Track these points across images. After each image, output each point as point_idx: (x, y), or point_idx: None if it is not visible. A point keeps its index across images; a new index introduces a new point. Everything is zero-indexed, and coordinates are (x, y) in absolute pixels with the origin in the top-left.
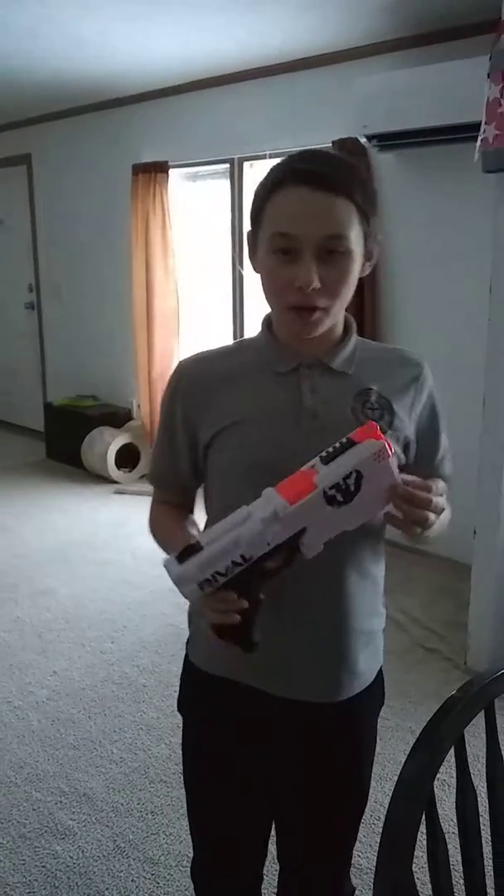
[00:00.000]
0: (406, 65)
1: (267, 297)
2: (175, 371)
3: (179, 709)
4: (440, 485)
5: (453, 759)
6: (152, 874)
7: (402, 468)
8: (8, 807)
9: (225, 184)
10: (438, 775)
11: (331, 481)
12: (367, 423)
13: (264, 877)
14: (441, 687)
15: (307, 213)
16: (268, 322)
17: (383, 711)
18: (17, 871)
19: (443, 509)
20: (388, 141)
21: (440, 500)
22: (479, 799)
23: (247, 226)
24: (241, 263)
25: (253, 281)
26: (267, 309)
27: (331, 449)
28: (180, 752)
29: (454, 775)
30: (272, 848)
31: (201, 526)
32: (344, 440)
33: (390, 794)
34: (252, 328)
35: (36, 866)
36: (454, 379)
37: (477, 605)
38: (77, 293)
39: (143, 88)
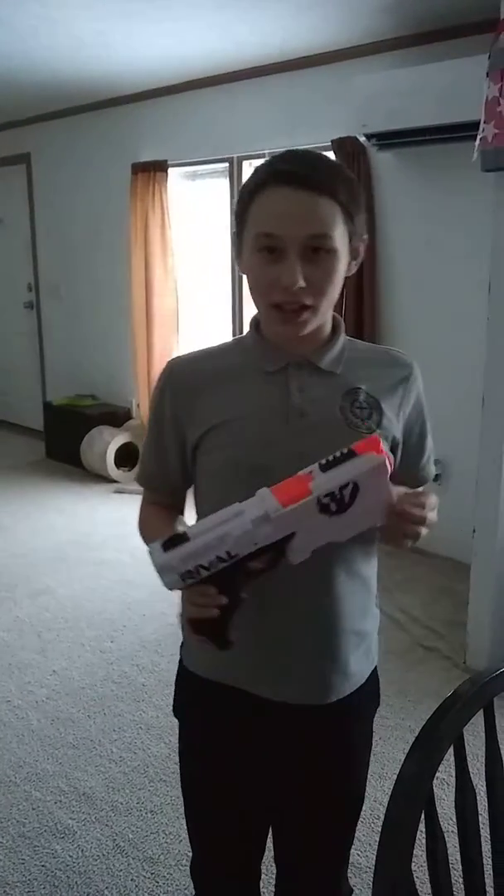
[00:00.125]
0: (405, 64)
1: (253, 297)
2: (163, 371)
3: (175, 713)
4: (433, 499)
5: (452, 758)
6: (152, 873)
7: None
8: (7, 806)
9: (224, 183)
10: (438, 774)
11: (326, 489)
12: (371, 437)
13: (263, 874)
14: (440, 686)
15: (291, 213)
16: (256, 323)
17: (383, 710)
18: (17, 871)
19: (434, 522)
20: (387, 140)
21: (433, 515)
22: (478, 798)
23: (232, 227)
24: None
25: None
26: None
27: (331, 457)
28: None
29: (453, 774)
30: (271, 847)
31: None
32: (345, 450)
33: (389, 793)
34: None
35: (35, 865)
36: (453, 378)
37: (476, 604)
38: (76, 292)
39: (142, 87)
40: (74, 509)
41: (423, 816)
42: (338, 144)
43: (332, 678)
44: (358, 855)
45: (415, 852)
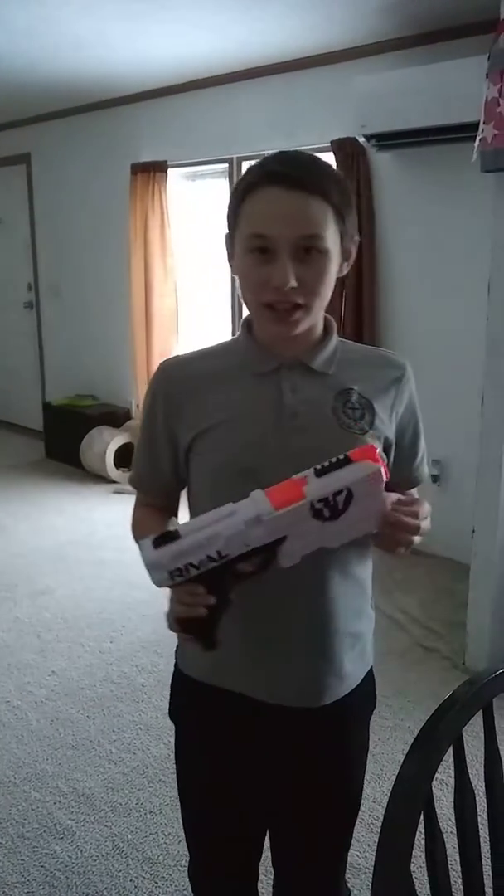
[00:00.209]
0: (405, 64)
1: (245, 298)
2: (155, 373)
3: (171, 716)
4: (426, 508)
5: (452, 759)
6: (151, 874)
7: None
8: (7, 806)
9: (224, 183)
10: (437, 775)
11: (320, 494)
12: (367, 445)
13: (261, 875)
14: (440, 686)
15: (282, 213)
16: (248, 324)
17: (381, 711)
18: (16, 871)
19: (428, 531)
20: (386, 140)
21: (426, 524)
22: (477, 799)
23: (224, 229)
24: None
25: None
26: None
27: (326, 462)
28: None
29: (452, 775)
30: (270, 848)
31: None
32: (341, 456)
33: (388, 794)
34: None
35: (34, 866)
36: (453, 378)
37: (475, 604)
38: (76, 292)
39: (142, 88)
40: (74, 509)
41: (422, 817)
42: (337, 145)
43: (327, 680)
44: (357, 855)
45: (414, 853)
